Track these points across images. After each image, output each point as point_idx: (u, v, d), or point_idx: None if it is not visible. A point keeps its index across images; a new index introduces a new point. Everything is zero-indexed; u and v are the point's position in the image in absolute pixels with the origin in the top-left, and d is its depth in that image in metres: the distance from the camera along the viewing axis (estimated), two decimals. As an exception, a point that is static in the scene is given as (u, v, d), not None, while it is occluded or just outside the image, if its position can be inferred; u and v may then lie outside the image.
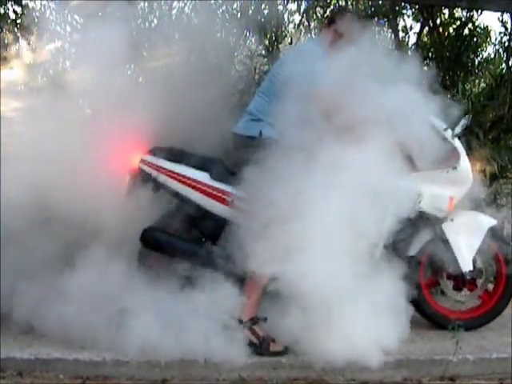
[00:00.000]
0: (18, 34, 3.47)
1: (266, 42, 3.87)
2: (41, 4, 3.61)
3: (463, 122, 3.13)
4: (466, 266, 3.11)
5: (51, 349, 2.80)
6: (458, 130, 3.10)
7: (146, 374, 2.72)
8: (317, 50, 3.01)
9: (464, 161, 3.10)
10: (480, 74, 4.49)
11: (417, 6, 4.23)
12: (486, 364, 2.86)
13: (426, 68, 3.99)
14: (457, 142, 3.12)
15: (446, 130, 3.11)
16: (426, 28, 4.29)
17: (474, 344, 3.01)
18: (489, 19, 6.05)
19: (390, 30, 4.14)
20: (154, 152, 3.05)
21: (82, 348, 2.77)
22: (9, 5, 3.78)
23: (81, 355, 2.75)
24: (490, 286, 3.28)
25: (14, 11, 3.73)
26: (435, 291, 3.37)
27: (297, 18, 4.32)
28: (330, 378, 2.66)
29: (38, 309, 2.85)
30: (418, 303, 3.05)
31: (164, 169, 3.03)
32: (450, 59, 4.13)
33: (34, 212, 2.75)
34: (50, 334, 2.83)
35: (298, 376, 2.69)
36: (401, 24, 4.31)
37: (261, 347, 2.76)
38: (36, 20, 3.49)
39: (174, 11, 3.86)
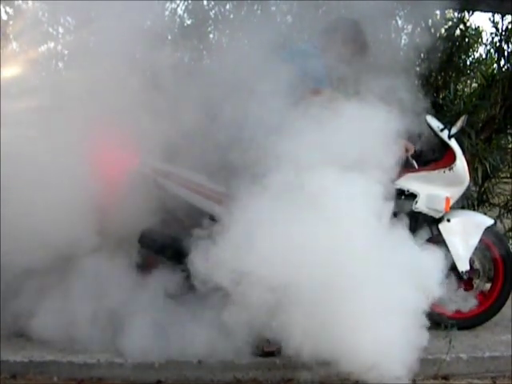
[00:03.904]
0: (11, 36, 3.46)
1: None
2: (33, 5, 3.59)
3: (459, 122, 3.15)
4: (463, 265, 3.12)
5: (45, 351, 2.80)
6: (454, 130, 3.13)
7: (140, 375, 2.73)
8: (315, 51, 3.02)
9: (460, 161, 3.12)
10: (472, 74, 4.51)
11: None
12: (479, 363, 2.88)
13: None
14: (453, 143, 3.14)
15: (442, 130, 3.13)
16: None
17: (467, 343, 3.03)
18: (480, 20, 6.07)
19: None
20: (152, 154, 3.04)
21: (76, 350, 2.77)
22: (1, 6, 3.76)
23: (75, 357, 2.75)
24: (487, 287, 3.30)
25: (7, 12, 3.71)
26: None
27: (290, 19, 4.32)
28: (325, 378, 2.66)
29: (32, 311, 2.85)
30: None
31: (162, 170, 3.03)
32: (441, 60, 4.15)
33: (31, 212, 2.74)
34: (44, 337, 2.83)
35: (293, 376, 2.70)
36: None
37: (255, 348, 2.76)
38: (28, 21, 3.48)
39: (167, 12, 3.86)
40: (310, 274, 2.46)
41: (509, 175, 4.44)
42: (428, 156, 3.20)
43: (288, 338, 2.51)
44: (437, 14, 4.09)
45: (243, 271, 2.48)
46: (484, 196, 4.27)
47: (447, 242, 3.11)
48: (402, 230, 2.66)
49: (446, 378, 2.81)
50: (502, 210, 4.35)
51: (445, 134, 3.13)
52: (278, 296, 2.47)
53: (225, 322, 2.63)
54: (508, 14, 4.27)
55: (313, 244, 2.48)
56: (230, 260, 2.50)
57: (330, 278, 2.45)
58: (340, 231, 2.50)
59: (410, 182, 3.10)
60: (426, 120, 3.12)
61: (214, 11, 4.04)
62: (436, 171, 3.12)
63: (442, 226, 3.14)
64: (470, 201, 4.02)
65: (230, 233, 2.55)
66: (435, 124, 3.16)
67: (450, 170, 3.10)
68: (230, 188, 2.73)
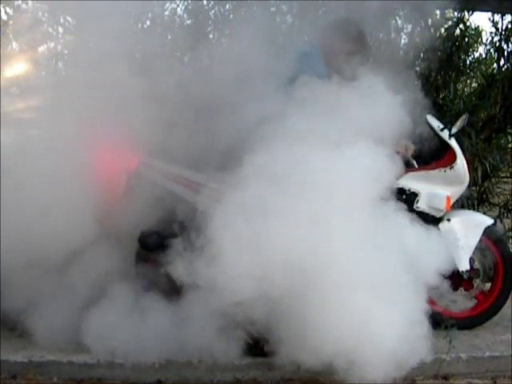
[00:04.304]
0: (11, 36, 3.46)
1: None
2: (33, 5, 3.59)
3: (460, 122, 3.15)
4: (463, 265, 3.12)
5: (45, 351, 2.79)
6: (454, 129, 3.13)
7: (140, 375, 2.72)
8: (317, 54, 3.03)
9: (461, 161, 3.13)
10: (471, 74, 4.52)
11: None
12: (479, 362, 2.88)
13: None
14: (453, 142, 3.14)
15: (442, 130, 3.14)
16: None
17: (467, 343, 3.02)
18: (480, 19, 6.07)
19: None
20: (152, 154, 3.03)
21: (75, 350, 2.77)
22: (1, 6, 3.76)
23: (75, 357, 2.74)
24: (487, 287, 3.29)
25: (7, 13, 3.71)
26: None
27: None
28: (325, 379, 2.66)
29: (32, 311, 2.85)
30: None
31: (163, 171, 3.02)
32: (441, 59, 4.16)
33: (29, 211, 2.73)
34: (44, 337, 2.83)
35: (293, 376, 2.70)
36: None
37: (255, 348, 2.76)
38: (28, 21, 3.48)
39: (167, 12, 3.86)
40: (305, 269, 2.44)
41: (509, 175, 4.45)
42: (428, 155, 3.20)
43: (285, 337, 2.51)
44: (436, 14, 4.09)
45: (236, 267, 2.49)
46: (484, 196, 4.28)
47: (447, 241, 3.11)
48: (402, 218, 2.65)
49: (446, 377, 2.81)
50: (502, 210, 4.35)
51: (445, 134, 3.14)
52: (274, 293, 2.47)
53: (224, 322, 2.64)
54: (508, 13, 4.27)
55: (305, 234, 2.46)
56: (223, 256, 2.49)
57: (324, 274, 2.44)
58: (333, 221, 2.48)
59: (410, 181, 3.10)
60: (426, 119, 3.13)
61: (213, 11, 4.04)
62: (436, 170, 3.13)
63: (443, 226, 3.14)
64: (470, 200, 4.02)
65: (218, 224, 2.52)
66: (435, 123, 3.17)
67: (450, 169, 3.11)
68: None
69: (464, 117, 3.20)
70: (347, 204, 2.50)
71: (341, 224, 2.48)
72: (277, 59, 2.84)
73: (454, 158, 3.13)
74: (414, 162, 3.12)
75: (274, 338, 2.53)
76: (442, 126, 3.15)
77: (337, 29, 3.15)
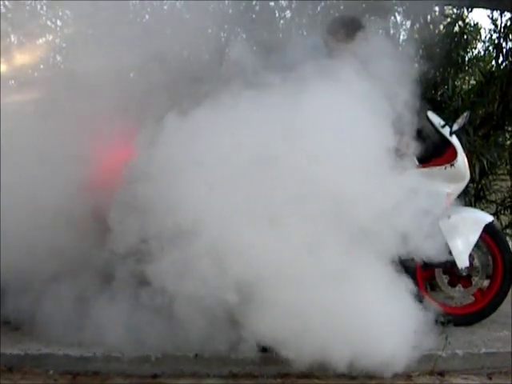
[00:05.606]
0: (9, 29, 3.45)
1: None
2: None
3: (461, 119, 3.15)
4: (462, 262, 3.12)
5: (41, 344, 2.80)
6: (455, 127, 3.13)
7: (136, 369, 2.73)
8: (318, 47, 3.03)
9: (461, 158, 3.13)
10: (470, 71, 4.52)
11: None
12: (475, 359, 2.88)
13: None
14: (454, 139, 3.14)
15: (443, 127, 3.13)
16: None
17: (463, 339, 3.02)
18: (479, 16, 6.09)
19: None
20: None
21: (72, 344, 2.77)
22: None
23: (71, 351, 2.75)
24: (485, 284, 3.29)
25: (5, 6, 3.70)
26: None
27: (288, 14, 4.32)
28: (321, 373, 2.67)
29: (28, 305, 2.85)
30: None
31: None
32: (440, 56, 4.15)
33: (29, 207, 2.73)
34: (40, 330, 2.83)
35: (289, 371, 2.70)
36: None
37: (252, 342, 2.75)
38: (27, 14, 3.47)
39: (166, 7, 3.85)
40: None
41: (506, 172, 4.44)
42: (428, 152, 3.19)
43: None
44: (435, 11, 4.09)
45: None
46: (481, 193, 4.28)
47: (447, 238, 3.11)
48: None
49: (441, 374, 2.81)
50: (499, 207, 4.35)
51: (446, 131, 3.13)
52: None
53: (221, 317, 2.63)
54: (507, 11, 4.27)
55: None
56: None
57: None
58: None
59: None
60: (427, 116, 3.13)
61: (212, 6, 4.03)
62: (437, 167, 3.13)
63: (442, 223, 3.14)
64: (468, 197, 4.02)
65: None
66: (436, 120, 3.16)
67: (451, 166, 3.11)
68: None
69: (465, 114, 3.19)
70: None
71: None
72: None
73: (454, 155, 3.13)
74: (415, 159, 3.12)
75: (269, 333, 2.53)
76: (443, 123, 3.15)
77: (337, 27, 3.14)
